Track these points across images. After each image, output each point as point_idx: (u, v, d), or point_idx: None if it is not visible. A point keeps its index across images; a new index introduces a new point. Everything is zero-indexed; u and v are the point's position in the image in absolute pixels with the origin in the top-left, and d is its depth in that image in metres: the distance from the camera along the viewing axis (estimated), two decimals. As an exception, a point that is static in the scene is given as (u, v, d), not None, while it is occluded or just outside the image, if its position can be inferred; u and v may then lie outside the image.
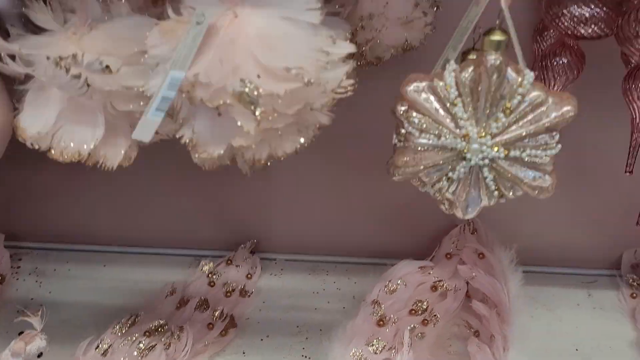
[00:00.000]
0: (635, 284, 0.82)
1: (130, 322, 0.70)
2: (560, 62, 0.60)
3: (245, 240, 0.88)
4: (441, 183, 0.44)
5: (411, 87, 0.41)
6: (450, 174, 0.43)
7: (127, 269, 0.86)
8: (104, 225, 0.89)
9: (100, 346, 0.65)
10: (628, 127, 0.67)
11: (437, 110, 0.41)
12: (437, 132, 0.41)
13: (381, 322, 0.71)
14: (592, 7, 0.55)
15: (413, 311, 0.75)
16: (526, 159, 0.42)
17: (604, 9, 0.55)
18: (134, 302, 0.78)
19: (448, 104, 0.41)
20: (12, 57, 0.42)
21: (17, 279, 0.83)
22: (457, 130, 0.41)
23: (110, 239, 0.89)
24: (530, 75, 0.40)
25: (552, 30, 0.61)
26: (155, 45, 0.35)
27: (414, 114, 0.41)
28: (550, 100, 0.40)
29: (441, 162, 0.43)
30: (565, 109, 0.40)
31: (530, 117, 0.40)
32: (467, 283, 0.78)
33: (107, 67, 0.36)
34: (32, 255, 0.88)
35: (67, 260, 0.87)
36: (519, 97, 0.40)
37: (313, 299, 0.82)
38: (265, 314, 0.80)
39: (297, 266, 0.88)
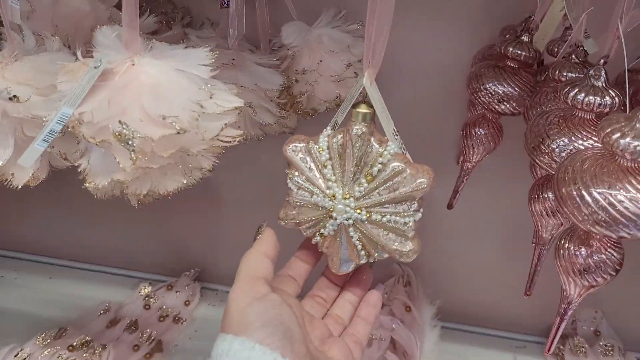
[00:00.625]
0: (560, 353, 0.84)
1: (56, 335, 0.72)
2: (480, 132, 0.64)
3: (191, 268, 0.91)
4: (316, 238, 0.47)
5: (290, 147, 0.45)
6: (322, 230, 0.46)
7: (71, 283, 0.89)
8: (56, 238, 0.92)
9: (19, 354, 0.67)
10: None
11: (310, 170, 0.44)
12: (310, 190, 0.45)
13: None
14: (506, 85, 0.59)
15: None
16: (387, 223, 0.44)
17: (516, 89, 0.59)
18: (70, 316, 0.80)
19: (320, 166, 0.44)
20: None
21: (-36, 283, 0.86)
22: (327, 191, 0.44)
23: (61, 252, 0.92)
24: (391, 147, 0.44)
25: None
26: (62, 81, 0.39)
27: (294, 171, 0.45)
28: (408, 171, 0.43)
29: (315, 218, 0.46)
30: (419, 181, 0.43)
31: (389, 184, 0.43)
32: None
33: (15, 96, 0.40)
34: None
35: (15, 269, 0.90)
36: (379, 166, 0.43)
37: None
38: (195, 342, 0.82)
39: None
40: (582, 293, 0.48)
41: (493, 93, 0.60)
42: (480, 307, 0.90)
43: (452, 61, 0.70)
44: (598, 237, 0.45)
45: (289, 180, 0.45)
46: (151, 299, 0.84)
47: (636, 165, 0.41)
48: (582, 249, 0.45)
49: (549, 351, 0.52)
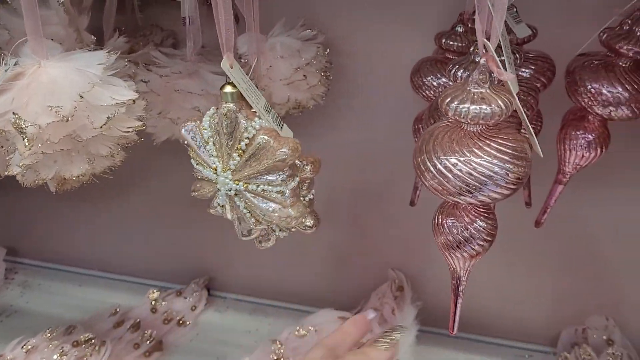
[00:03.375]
0: (565, 362, 0.78)
1: (65, 332, 0.80)
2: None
3: (201, 276, 0.97)
4: (217, 209, 0.51)
5: (184, 127, 0.49)
6: (218, 201, 0.51)
7: (98, 290, 0.98)
8: (86, 250, 1.02)
9: (26, 345, 0.75)
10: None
11: (199, 147, 0.48)
12: (203, 165, 0.49)
13: (277, 361, 0.75)
14: (444, 79, 0.60)
15: (315, 356, 0.77)
16: (263, 193, 0.48)
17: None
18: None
19: (204, 143, 0.48)
20: None
21: (7, 289, 0.98)
22: (212, 165, 0.48)
23: (90, 263, 1.02)
24: (257, 122, 0.46)
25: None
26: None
27: (189, 149, 0.49)
28: (272, 143, 0.46)
29: (211, 190, 0.50)
30: (280, 151, 0.45)
31: (257, 156, 0.47)
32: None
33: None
34: (28, 270, 1.03)
35: (52, 278, 1.00)
36: (246, 140, 0.47)
37: (243, 338, 0.87)
38: (196, 344, 0.87)
39: (242, 306, 0.94)
40: (467, 266, 0.47)
41: (433, 86, 0.61)
42: (482, 314, 0.87)
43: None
44: (465, 206, 0.45)
45: (190, 157, 0.50)
46: (158, 303, 0.90)
47: (480, 129, 0.42)
48: (455, 221, 0.45)
49: (452, 331, 0.50)
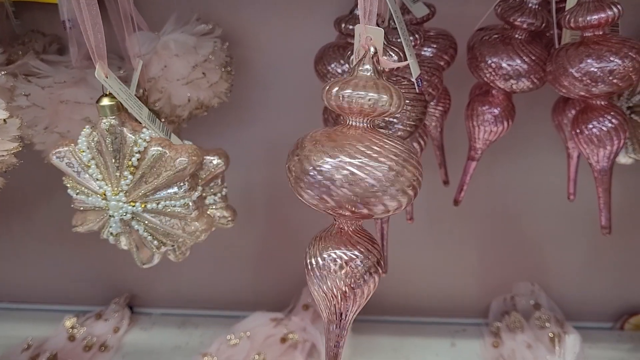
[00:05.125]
0: (497, 331, 0.80)
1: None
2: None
3: (121, 294, 0.91)
4: (110, 238, 0.46)
5: (55, 154, 0.44)
6: (110, 229, 0.46)
7: (6, 325, 0.90)
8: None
9: None
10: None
11: (78, 173, 0.44)
12: (85, 193, 0.44)
13: (209, 375, 0.72)
14: (342, 62, 0.58)
15: (249, 363, 0.75)
16: (165, 210, 0.44)
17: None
18: (-3, 357, 0.81)
19: (84, 167, 0.43)
20: None
21: None
22: (99, 190, 0.43)
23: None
24: (146, 133, 0.43)
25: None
26: None
27: (66, 178, 0.44)
28: (167, 153, 0.42)
29: (100, 219, 0.45)
30: (179, 160, 0.42)
31: (153, 170, 0.43)
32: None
33: None
34: None
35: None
36: (137, 155, 0.43)
37: (173, 354, 0.83)
38: (122, 368, 0.81)
39: (170, 320, 0.90)
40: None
41: (338, 73, 0.59)
42: (415, 297, 0.87)
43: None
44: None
45: (68, 188, 0.45)
46: (75, 330, 0.84)
47: (367, 125, 0.38)
48: None
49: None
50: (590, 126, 0.52)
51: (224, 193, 0.50)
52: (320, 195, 0.36)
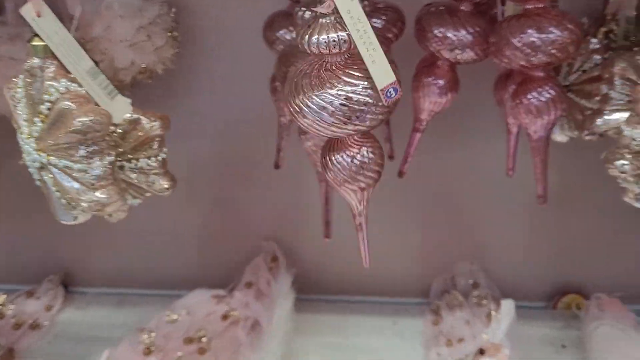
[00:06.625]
0: (437, 309, 0.81)
1: None
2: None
3: (57, 272, 0.87)
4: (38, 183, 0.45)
5: (9, 85, 0.42)
6: (35, 175, 0.44)
7: None
8: None
9: None
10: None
11: (15, 107, 0.42)
12: (19, 130, 0.42)
13: (147, 350, 0.70)
14: (291, 29, 0.58)
15: (189, 340, 0.73)
16: (66, 169, 0.42)
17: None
18: None
19: (17, 102, 0.41)
20: None
21: None
22: (23, 130, 0.42)
23: None
24: (62, 84, 0.41)
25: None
26: None
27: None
28: (74, 111, 0.40)
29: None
30: (79, 120, 0.40)
31: (58, 125, 0.41)
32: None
33: None
34: None
35: None
36: (48, 104, 0.41)
37: (109, 332, 0.80)
38: (53, 347, 0.78)
39: (106, 300, 0.87)
40: (363, 198, 0.48)
41: (287, 40, 0.59)
42: (358, 276, 0.87)
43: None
44: (348, 139, 0.45)
45: None
46: (5, 308, 0.80)
47: (342, 58, 0.42)
48: (342, 154, 0.45)
49: (366, 263, 0.53)
50: (530, 97, 0.54)
51: (160, 158, 0.49)
52: (317, 122, 0.41)
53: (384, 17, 0.60)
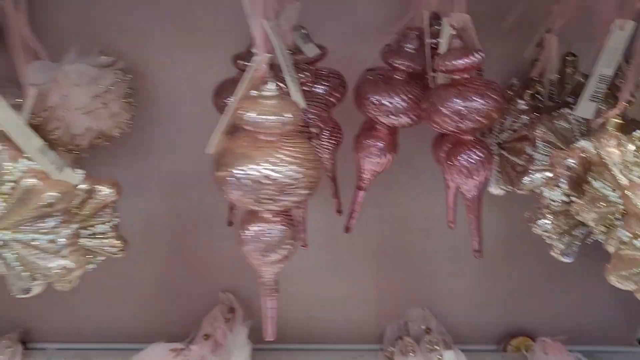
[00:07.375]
0: (391, 356, 0.83)
1: None
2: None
3: (16, 329, 0.87)
4: None
5: None
6: None
7: None
8: None
9: None
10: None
11: None
12: None
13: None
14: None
15: (146, 396, 0.74)
16: (33, 242, 0.44)
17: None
18: None
19: None
20: None
21: None
22: None
23: None
24: (23, 163, 0.43)
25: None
26: None
27: None
28: (40, 187, 0.43)
29: None
30: (47, 194, 0.42)
31: (24, 202, 0.43)
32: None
33: None
34: None
35: None
36: (11, 184, 0.43)
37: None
38: (10, 407, 0.78)
39: (66, 355, 0.87)
40: (276, 271, 0.50)
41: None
42: (314, 324, 0.89)
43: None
44: (266, 213, 0.48)
45: None
46: (-41, 369, 0.79)
47: (275, 138, 0.45)
48: (258, 228, 0.48)
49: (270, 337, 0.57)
50: (460, 158, 0.58)
51: (114, 223, 0.51)
52: (243, 196, 0.45)
53: (326, 83, 0.64)
